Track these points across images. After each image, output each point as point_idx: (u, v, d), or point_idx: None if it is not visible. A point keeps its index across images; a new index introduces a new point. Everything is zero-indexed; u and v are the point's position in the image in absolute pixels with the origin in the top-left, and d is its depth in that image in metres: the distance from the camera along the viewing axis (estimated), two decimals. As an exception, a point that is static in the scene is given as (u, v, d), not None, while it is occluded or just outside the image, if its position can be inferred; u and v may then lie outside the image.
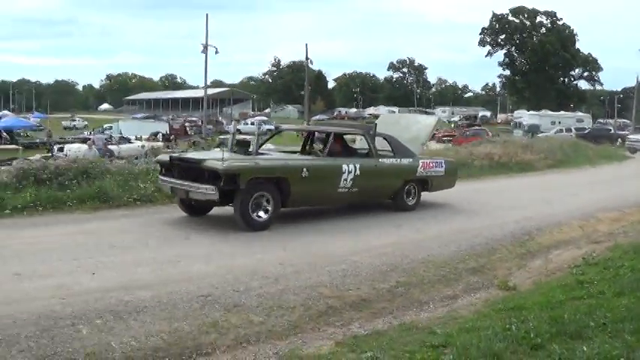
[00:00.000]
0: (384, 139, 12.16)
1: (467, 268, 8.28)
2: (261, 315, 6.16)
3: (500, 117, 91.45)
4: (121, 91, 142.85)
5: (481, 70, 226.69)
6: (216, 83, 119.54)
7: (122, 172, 12.58)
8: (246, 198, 9.52)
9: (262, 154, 10.75)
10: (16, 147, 34.92)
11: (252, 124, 57.44)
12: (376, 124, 12.58)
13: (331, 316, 6.43)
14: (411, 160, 12.19)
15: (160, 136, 42.73)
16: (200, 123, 58.11)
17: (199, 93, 74.44)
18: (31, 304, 5.91)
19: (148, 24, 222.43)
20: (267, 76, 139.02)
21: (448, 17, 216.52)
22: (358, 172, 10.92)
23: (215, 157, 9.80)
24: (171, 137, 36.70)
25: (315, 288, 6.97)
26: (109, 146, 31.67)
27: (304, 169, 10.19)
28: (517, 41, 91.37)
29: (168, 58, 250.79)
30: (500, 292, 7.55)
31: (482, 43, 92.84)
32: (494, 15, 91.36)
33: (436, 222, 11.18)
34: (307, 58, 63.08)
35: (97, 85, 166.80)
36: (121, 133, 43.62)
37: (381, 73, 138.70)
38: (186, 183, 9.78)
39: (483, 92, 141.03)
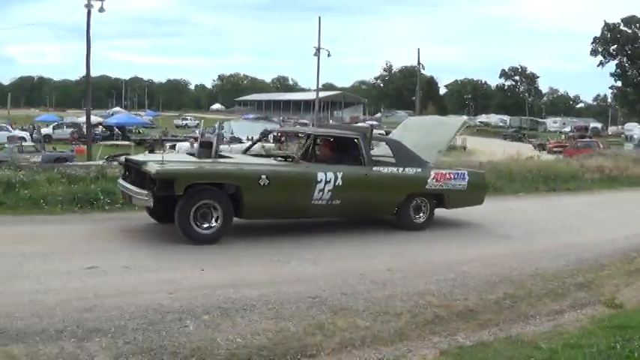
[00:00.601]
0: (387, 144, 10.97)
1: (574, 283, 7.85)
2: (367, 319, 5.98)
3: (611, 129, 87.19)
4: (232, 91, 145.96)
5: (593, 80, 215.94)
6: (328, 86, 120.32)
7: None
8: (187, 206, 8.31)
9: (225, 157, 9.76)
10: (128, 143, 36.31)
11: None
12: (372, 127, 12.05)
13: (437, 325, 6.19)
14: (418, 169, 10.27)
15: (270, 137, 43.54)
16: (311, 125, 58.73)
17: (311, 95, 75.27)
18: (139, 298, 5.97)
19: (258, 25, 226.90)
20: (378, 81, 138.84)
21: (561, 25, 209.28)
22: (340, 182, 9.32)
23: (157, 159, 8.86)
24: (282, 138, 37.08)
25: (422, 296, 6.72)
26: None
27: (263, 177, 8.77)
28: (629, 52, 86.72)
29: (278, 60, 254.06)
30: (606, 309, 7.12)
31: (593, 52, 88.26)
32: (606, 24, 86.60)
33: (544, 235, 10.58)
34: (419, 63, 62.26)
35: (209, 85, 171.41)
36: (232, 133, 44.59)
37: (493, 80, 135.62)
38: (129, 187, 8.88)
39: (595, 103, 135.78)
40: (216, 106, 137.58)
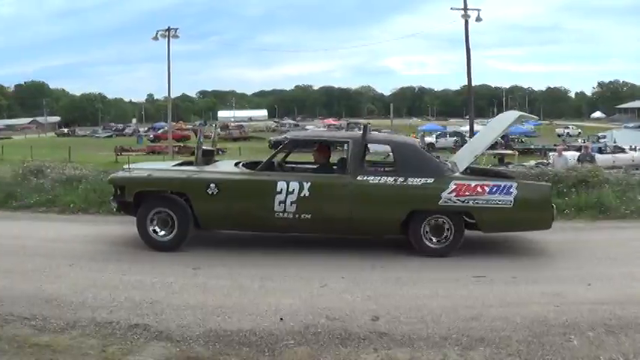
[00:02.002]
0: (391, 148, 8.86)
1: None
2: None
3: None
4: (612, 99, 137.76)
5: None
6: None
7: (620, 183, 11.99)
8: (143, 213, 8.37)
9: (211, 164, 9.27)
10: (511, 152, 36.49)
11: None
12: (366, 127, 9.26)
13: None
14: (428, 180, 8.10)
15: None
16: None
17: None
18: (524, 309, 5.94)
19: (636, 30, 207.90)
20: None
21: None
22: (307, 193, 8.06)
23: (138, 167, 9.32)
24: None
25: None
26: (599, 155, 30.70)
27: (211, 185, 8.21)
28: None
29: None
30: None
31: None
32: None
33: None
34: None
35: (588, 93, 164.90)
36: (615, 143, 41.71)
37: None
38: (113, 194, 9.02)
39: None
40: (597, 114, 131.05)
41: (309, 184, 8.11)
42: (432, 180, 8.09)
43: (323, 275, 7.17)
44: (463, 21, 34.19)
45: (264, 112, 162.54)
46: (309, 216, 8.14)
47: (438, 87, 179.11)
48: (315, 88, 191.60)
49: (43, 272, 7.24)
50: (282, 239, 8.84)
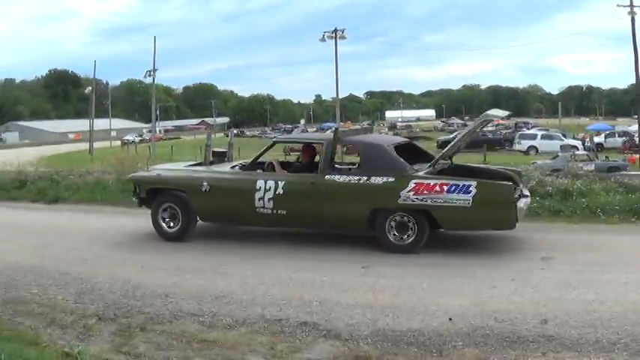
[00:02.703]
0: (360, 148, 9.28)
1: None
2: None
3: None
4: None
5: None
6: None
7: None
8: (155, 207, 9.62)
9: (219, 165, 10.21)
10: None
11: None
12: (336, 130, 9.98)
13: None
14: (389, 179, 8.31)
15: None
16: None
17: None
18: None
19: None
20: None
21: None
22: (281, 190, 8.75)
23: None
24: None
25: None
26: None
27: (204, 184, 9.23)
28: None
29: None
30: None
31: None
32: None
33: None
34: None
35: None
36: None
37: None
38: None
39: None
40: None
41: (283, 182, 8.86)
42: (393, 179, 8.35)
43: (492, 276, 7.13)
44: (629, 18, 32.37)
45: (431, 112, 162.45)
46: (284, 212, 8.82)
47: (606, 85, 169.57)
48: (483, 87, 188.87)
49: (214, 270, 7.70)
50: (451, 239, 8.86)
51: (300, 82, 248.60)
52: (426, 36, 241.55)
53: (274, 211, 8.85)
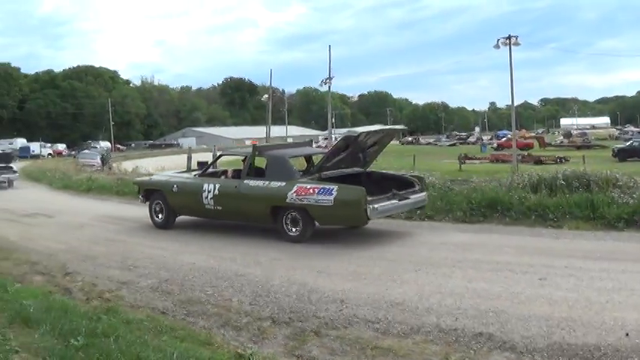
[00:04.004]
0: (268, 158, 11.35)
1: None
2: None
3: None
4: None
5: None
6: None
7: None
8: (151, 203, 12.70)
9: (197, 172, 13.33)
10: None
11: None
12: (254, 146, 11.95)
13: None
14: (282, 184, 10.49)
15: None
16: None
17: None
18: None
19: None
20: None
21: None
22: (217, 192, 11.26)
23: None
24: None
25: None
26: None
27: (175, 186, 12.25)
28: None
29: None
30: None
31: None
32: None
33: None
34: None
35: None
36: None
37: None
38: None
39: None
40: None
41: (218, 185, 11.33)
42: (284, 184, 10.41)
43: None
44: None
45: (606, 120, 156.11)
46: (220, 207, 11.27)
47: None
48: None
49: (390, 277, 7.61)
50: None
51: (474, 90, 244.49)
52: (599, 41, 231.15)
53: (214, 207, 11.33)
